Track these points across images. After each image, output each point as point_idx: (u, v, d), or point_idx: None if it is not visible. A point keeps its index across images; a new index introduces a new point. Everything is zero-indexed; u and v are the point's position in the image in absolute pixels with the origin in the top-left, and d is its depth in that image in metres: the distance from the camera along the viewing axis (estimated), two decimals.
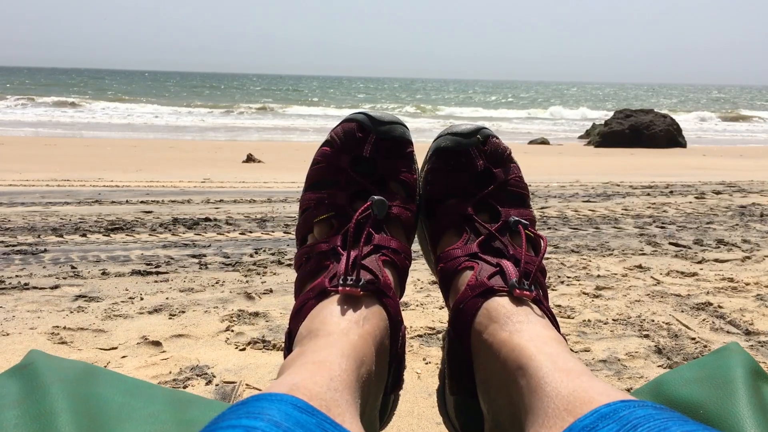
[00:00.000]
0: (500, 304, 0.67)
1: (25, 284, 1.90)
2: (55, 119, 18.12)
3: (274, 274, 2.10)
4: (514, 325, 0.63)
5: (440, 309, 1.79)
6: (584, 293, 1.95)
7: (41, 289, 1.86)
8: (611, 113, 15.09)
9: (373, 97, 39.79)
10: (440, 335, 1.60)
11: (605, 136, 12.91)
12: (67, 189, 4.50)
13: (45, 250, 2.35)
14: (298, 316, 0.69)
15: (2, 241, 2.48)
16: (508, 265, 0.71)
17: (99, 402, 0.54)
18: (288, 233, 2.81)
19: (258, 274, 2.09)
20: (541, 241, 0.74)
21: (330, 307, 0.65)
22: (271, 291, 1.90)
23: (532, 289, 0.68)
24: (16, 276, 1.99)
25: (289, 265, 2.22)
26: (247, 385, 1.30)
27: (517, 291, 0.67)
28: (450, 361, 0.71)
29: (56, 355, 1.37)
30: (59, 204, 3.59)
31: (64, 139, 12.32)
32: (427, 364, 1.43)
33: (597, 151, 11.93)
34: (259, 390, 1.31)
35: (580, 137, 15.26)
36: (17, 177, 5.34)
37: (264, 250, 2.44)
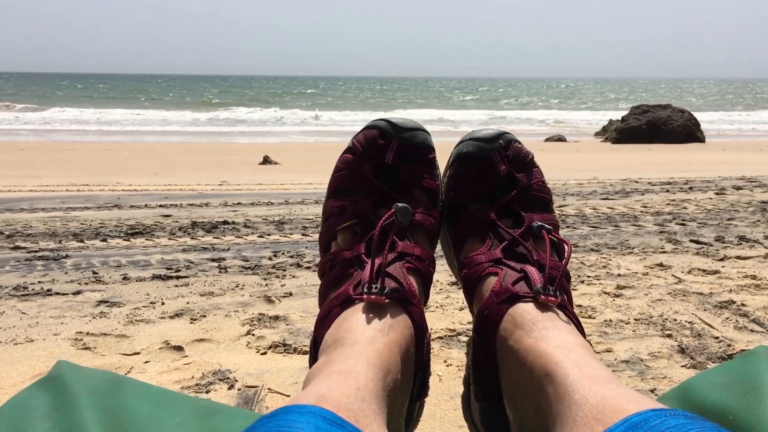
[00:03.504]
0: (525, 310, 0.66)
1: (48, 290, 1.91)
2: (67, 126, 18.30)
3: (293, 277, 2.10)
4: (540, 332, 0.63)
5: (460, 311, 1.78)
6: (605, 293, 1.93)
7: (64, 294, 1.88)
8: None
9: (391, 97, 39.78)
10: (460, 337, 1.60)
11: (622, 132, 12.82)
12: (86, 194, 4.55)
13: (67, 256, 2.37)
14: (323, 324, 0.69)
15: (24, 247, 2.51)
16: (532, 271, 0.70)
17: (127, 413, 0.54)
18: (306, 235, 2.81)
19: (277, 277, 2.10)
20: (565, 245, 0.74)
21: (355, 315, 0.65)
22: (290, 294, 1.90)
23: (557, 294, 0.68)
24: (39, 282, 2.01)
25: (308, 267, 2.22)
26: (269, 389, 1.30)
27: (543, 297, 0.67)
28: (475, 367, 0.71)
29: (80, 360, 1.39)
30: (79, 209, 3.63)
31: (83, 143, 12.45)
32: (448, 366, 1.43)
33: (614, 147, 11.85)
34: (281, 394, 1.31)
35: (597, 134, 15.16)
36: (37, 182, 5.40)
37: (282, 253, 2.45)
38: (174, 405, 0.58)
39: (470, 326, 1.66)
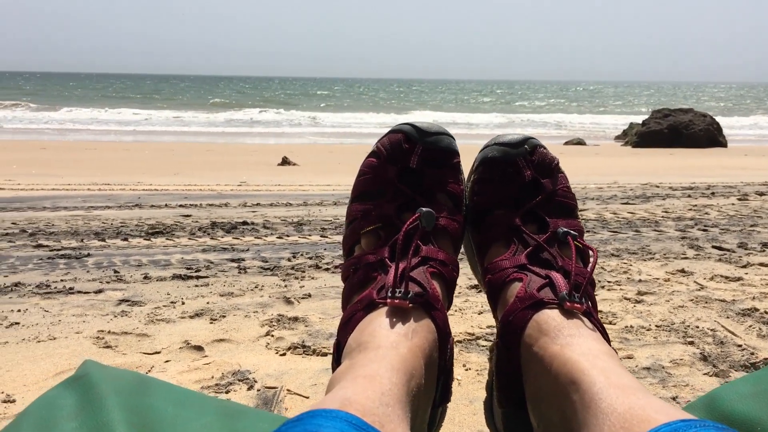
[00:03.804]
0: (550, 316, 0.66)
1: (70, 289, 1.93)
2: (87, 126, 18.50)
3: (312, 278, 2.11)
4: (566, 339, 0.62)
5: (479, 314, 1.77)
6: (626, 298, 1.92)
7: (86, 293, 1.90)
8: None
9: (414, 100, 39.79)
10: (479, 341, 1.59)
11: (643, 136, 12.72)
12: (107, 193, 4.59)
13: (88, 255, 2.39)
14: (347, 327, 0.69)
15: (47, 246, 2.54)
16: (557, 277, 0.70)
17: (152, 413, 0.54)
18: (324, 237, 2.82)
19: (296, 278, 2.10)
20: (591, 252, 0.73)
21: (378, 319, 0.65)
22: (309, 295, 1.91)
23: (582, 301, 0.67)
24: (62, 280, 2.03)
25: (326, 269, 2.23)
26: (288, 390, 1.30)
27: (568, 303, 0.66)
28: (499, 373, 0.70)
29: (102, 359, 1.40)
30: (101, 208, 3.67)
31: (104, 143, 12.57)
32: (467, 370, 1.43)
33: (634, 151, 11.76)
34: (300, 395, 1.31)
35: (617, 138, 15.06)
36: (59, 181, 5.47)
37: (301, 254, 2.46)
38: (198, 406, 0.59)
39: (489, 330, 1.66)
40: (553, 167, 0.83)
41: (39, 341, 1.51)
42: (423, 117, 22.76)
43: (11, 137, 13.96)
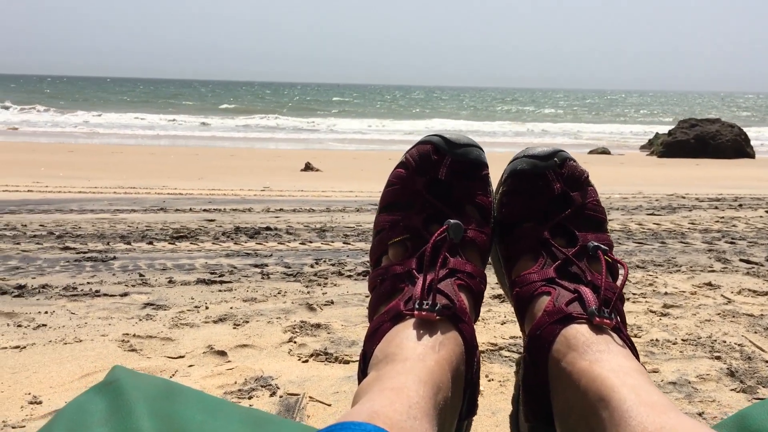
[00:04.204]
0: (579, 331, 0.65)
1: (96, 291, 1.96)
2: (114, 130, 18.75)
3: (335, 285, 2.11)
4: (594, 355, 0.62)
5: (502, 324, 1.76)
6: (651, 311, 1.89)
7: (111, 296, 1.92)
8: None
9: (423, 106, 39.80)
10: (502, 352, 1.58)
11: (669, 146, 12.59)
12: (133, 196, 4.64)
13: (114, 258, 2.42)
14: (373, 338, 0.69)
15: (74, 248, 2.57)
16: (586, 292, 0.69)
17: (180, 421, 0.55)
18: (347, 244, 2.82)
19: (319, 285, 2.11)
20: (621, 267, 0.73)
21: (406, 331, 0.65)
22: (332, 302, 1.91)
23: (612, 317, 0.67)
24: (88, 283, 2.06)
25: (349, 276, 2.23)
26: (310, 397, 1.30)
27: (597, 319, 0.66)
28: (525, 387, 0.70)
29: (127, 362, 1.42)
30: (126, 211, 3.71)
31: (130, 146, 12.73)
32: (490, 381, 1.42)
33: (660, 161, 11.64)
34: (323, 403, 1.32)
35: (642, 147, 14.93)
36: (86, 184, 5.54)
37: (324, 261, 2.46)
38: (225, 414, 0.59)
39: (512, 341, 1.65)
40: (582, 180, 0.83)
41: (65, 343, 1.53)
42: (440, 125, 22.74)
43: (39, 140, 14.19)
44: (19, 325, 1.64)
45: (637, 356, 0.67)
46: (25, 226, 3.07)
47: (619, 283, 0.71)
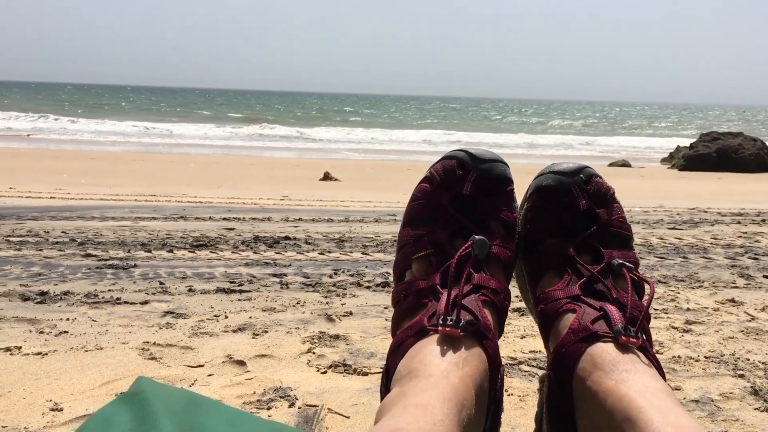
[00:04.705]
0: (605, 350, 0.65)
1: (117, 299, 1.97)
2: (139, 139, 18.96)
3: (354, 296, 2.11)
4: (621, 374, 0.61)
5: (522, 338, 1.75)
6: (673, 327, 1.87)
7: (132, 304, 1.93)
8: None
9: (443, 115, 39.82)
10: (522, 366, 1.57)
11: (690, 159, 12.48)
12: (153, 204, 4.68)
13: (135, 265, 2.44)
14: (396, 353, 0.68)
15: (95, 255, 2.60)
16: (612, 310, 0.68)
17: None
18: (366, 254, 2.82)
19: (337, 295, 2.11)
20: (647, 285, 0.72)
21: (429, 347, 0.65)
22: (350, 313, 1.91)
23: (638, 336, 0.66)
24: (109, 290, 2.07)
25: (368, 287, 2.23)
26: (329, 409, 1.30)
27: (623, 338, 0.65)
28: (549, 405, 0.69)
29: (147, 371, 1.42)
30: (147, 219, 3.74)
31: (150, 154, 12.86)
32: (509, 395, 1.40)
33: (681, 174, 11.54)
34: (341, 415, 1.31)
35: (663, 160, 14.81)
36: (108, 191, 5.60)
37: (343, 271, 2.46)
38: (248, 427, 0.59)
39: (532, 355, 1.63)
40: (608, 197, 0.82)
41: (86, 350, 1.54)
42: (455, 136, 22.73)
43: (62, 147, 14.38)
44: (41, 332, 1.66)
45: (663, 376, 0.66)
46: (48, 232, 3.11)
47: (645, 301, 0.70)
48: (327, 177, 8.15)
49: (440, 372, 0.60)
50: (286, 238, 3.13)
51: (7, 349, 1.52)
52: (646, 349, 0.67)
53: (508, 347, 1.68)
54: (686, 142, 14.90)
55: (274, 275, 2.36)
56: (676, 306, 2.09)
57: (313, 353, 1.59)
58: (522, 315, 1.95)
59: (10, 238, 2.91)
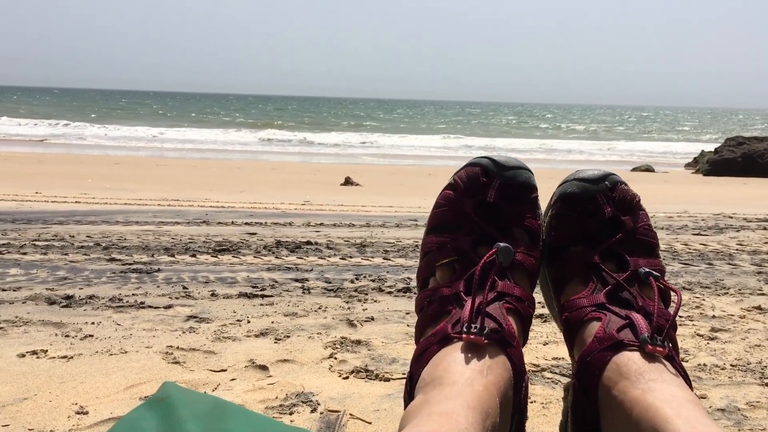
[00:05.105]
0: (631, 359, 0.64)
1: (141, 303, 1.99)
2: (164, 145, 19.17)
3: (375, 301, 2.11)
4: (647, 384, 0.61)
5: (544, 345, 1.74)
6: (698, 335, 1.85)
7: (156, 308, 1.95)
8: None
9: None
10: (545, 373, 1.56)
11: (715, 164, 12.33)
12: (176, 209, 4.73)
13: (158, 270, 2.46)
14: (420, 360, 0.68)
15: (120, 260, 2.63)
16: (638, 319, 0.68)
17: None
18: (387, 259, 2.82)
19: (359, 300, 2.11)
20: (673, 294, 0.71)
21: (453, 354, 0.65)
22: (372, 319, 1.91)
23: (665, 345, 0.65)
24: (133, 294, 2.10)
25: (389, 292, 2.23)
26: (350, 414, 1.30)
27: (650, 346, 0.65)
28: (574, 414, 0.69)
29: (170, 375, 1.43)
30: (170, 224, 3.77)
31: (173, 159, 12.98)
32: (532, 403, 1.40)
33: (706, 179, 11.40)
34: (363, 420, 1.31)
35: (687, 165, 14.66)
36: (131, 196, 5.67)
37: (364, 276, 2.47)
38: None
39: (555, 362, 1.62)
40: (634, 204, 0.82)
41: (111, 354, 1.56)
42: (474, 141, 22.68)
43: (85, 152, 14.58)
44: (67, 335, 1.68)
45: (690, 385, 0.65)
46: (73, 237, 3.15)
47: (671, 310, 0.69)
48: (348, 182, 8.17)
49: (464, 380, 0.60)
50: (308, 242, 3.14)
51: (34, 353, 1.54)
52: (673, 358, 0.66)
53: (531, 354, 1.67)
54: (710, 147, 14.73)
55: (296, 280, 2.37)
56: (701, 313, 2.06)
57: (335, 358, 1.59)
58: (545, 321, 1.94)
59: (37, 242, 2.95)
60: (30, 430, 1.16)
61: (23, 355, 1.52)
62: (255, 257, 2.78)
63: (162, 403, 0.58)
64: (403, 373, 1.50)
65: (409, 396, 0.69)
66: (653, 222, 4.16)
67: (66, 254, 2.71)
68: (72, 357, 1.52)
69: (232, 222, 3.92)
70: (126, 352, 1.57)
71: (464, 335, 0.66)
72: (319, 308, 2.01)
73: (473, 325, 0.66)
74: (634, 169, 13.20)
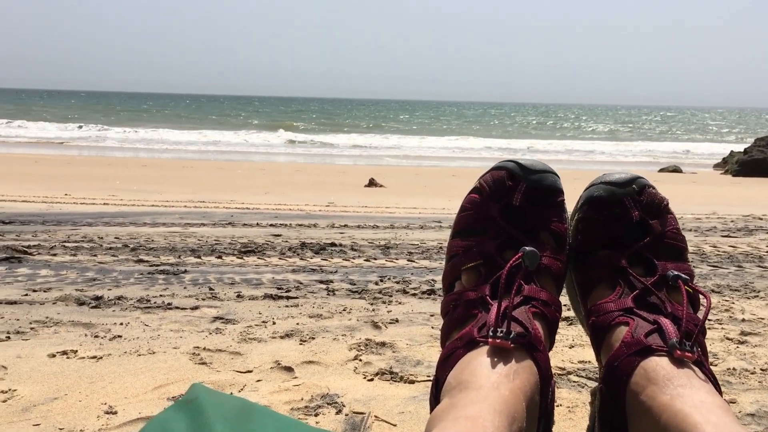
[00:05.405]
0: (659, 364, 0.64)
1: (169, 304, 2.01)
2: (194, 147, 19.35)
3: (400, 303, 2.11)
4: (676, 389, 0.60)
5: (570, 348, 1.73)
6: (728, 338, 1.82)
7: (183, 309, 1.97)
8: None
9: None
10: (570, 376, 1.55)
11: (745, 165, 12.14)
12: (202, 210, 4.77)
13: (185, 271, 2.49)
14: (446, 364, 0.68)
15: (147, 261, 2.66)
16: (666, 323, 0.67)
17: None
18: (411, 261, 2.82)
19: (384, 302, 2.11)
20: (702, 298, 0.70)
21: (479, 358, 0.65)
22: (397, 321, 1.91)
23: (693, 350, 0.64)
24: (160, 295, 2.12)
25: (413, 294, 2.23)
26: (375, 417, 1.30)
27: (678, 352, 0.64)
28: (602, 420, 0.68)
29: (197, 376, 1.45)
30: (196, 225, 3.81)
31: (199, 161, 13.11)
32: (558, 406, 1.39)
33: (735, 180, 11.23)
34: (388, 423, 1.31)
35: (716, 166, 14.44)
36: (159, 197, 5.73)
37: (389, 278, 2.47)
38: None
39: (581, 365, 1.61)
40: (662, 208, 0.81)
41: (139, 355, 1.58)
42: (494, 143, 22.58)
43: (112, 154, 14.79)
44: (96, 336, 1.70)
45: (719, 391, 0.64)
46: (101, 238, 3.20)
47: (701, 314, 0.68)
48: (372, 183, 8.19)
49: (491, 384, 0.60)
50: (332, 244, 3.15)
51: (64, 353, 1.56)
52: (702, 364, 0.65)
53: (556, 357, 1.66)
54: (739, 147, 14.51)
55: (321, 282, 2.38)
56: (730, 317, 2.03)
57: (360, 360, 1.59)
58: (570, 324, 1.92)
59: (66, 244, 3.00)
60: (60, 429, 1.18)
61: (54, 356, 1.55)
62: (280, 259, 2.80)
63: (191, 405, 0.58)
64: (428, 376, 1.50)
65: (435, 400, 0.69)
66: (681, 223, 4.10)
67: (95, 255, 2.75)
68: (101, 357, 1.55)
69: (257, 223, 3.94)
70: (154, 353, 1.59)
71: (490, 339, 0.66)
72: (344, 310, 2.01)
73: (499, 330, 0.66)
74: (661, 170, 13.04)
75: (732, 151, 14.27)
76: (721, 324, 1.95)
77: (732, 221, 4.39)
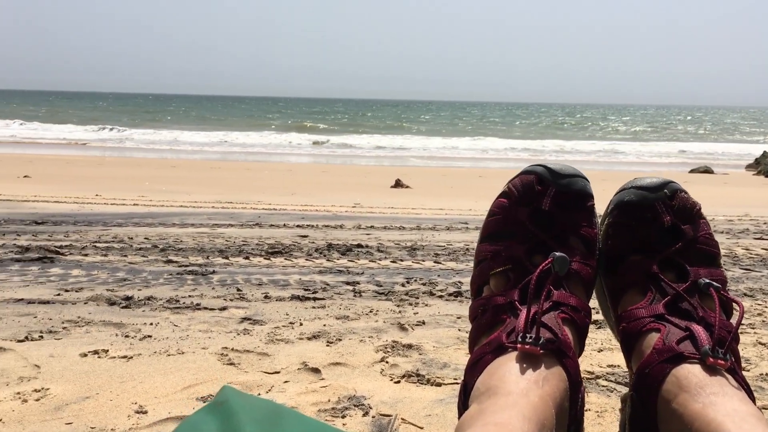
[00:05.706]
0: (691, 372, 0.63)
1: (197, 305, 2.04)
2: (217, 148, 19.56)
3: (426, 305, 2.11)
4: (708, 397, 0.59)
5: (599, 352, 1.71)
6: (761, 343, 1.79)
7: (211, 310, 1.99)
8: None
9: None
10: (599, 381, 1.53)
11: None
12: (230, 211, 4.81)
13: (213, 272, 2.51)
14: (474, 369, 0.68)
15: (176, 261, 2.69)
16: (699, 330, 0.66)
17: None
18: (438, 263, 2.82)
19: (410, 304, 2.11)
20: (736, 305, 0.69)
21: (508, 364, 0.64)
22: (423, 323, 1.91)
23: (726, 357, 0.63)
24: (189, 296, 2.15)
25: (440, 296, 2.22)
26: (402, 419, 1.31)
27: (711, 359, 0.63)
28: (632, 427, 0.68)
29: (226, 376, 1.46)
30: (224, 226, 3.85)
31: (227, 162, 13.22)
32: (587, 411, 1.37)
33: None
34: (415, 425, 1.31)
35: (749, 167, 14.19)
36: (187, 198, 5.79)
37: (415, 280, 2.47)
38: None
39: (610, 369, 1.59)
40: (694, 213, 0.80)
41: (169, 355, 1.60)
42: (519, 144, 22.42)
43: (142, 155, 14.99)
44: (127, 336, 1.73)
45: (753, 399, 0.63)
46: (131, 239, 3.24)
47: (733, 321, 0.67)
48: (398, 184, 8.18)
49: (520, 390, 0.59)
50: (359, 245, 3.16)
51: (95, 352, 1.59)
52: (735, 372, 0.64)
53: (585, 361, 1.65)
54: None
55: (347, 283, 2.39)
56: (763, 321, 2.00)
57: (387, 362, 1.59)
58: (599, 328, 1.90)
59: (97, 244, 3.05)
60: (92, 428, 1.19)
61: (85, 355, 1.57)
62: (307, 260, 2.81)
63: (221, 407, 0.59)
64: (455, 378, 1.50)
65: (463, 405, 0.68)
66: (712, 225, 4.03)
67: (125, 256, 2.79)
68: (132, 357, 1.57)
69: (284, 224, 3.97)
70: (183, 353, 1.61)
71: (519, 345, 0.65)
72: (371, 312, 2.02)
73: (528, 335, 0.66)
74: (692, 171, 12.85)
75: (765, 152, 14.01)
76: (753, 328, 1.92)
77: (765, 223, 4.31)
